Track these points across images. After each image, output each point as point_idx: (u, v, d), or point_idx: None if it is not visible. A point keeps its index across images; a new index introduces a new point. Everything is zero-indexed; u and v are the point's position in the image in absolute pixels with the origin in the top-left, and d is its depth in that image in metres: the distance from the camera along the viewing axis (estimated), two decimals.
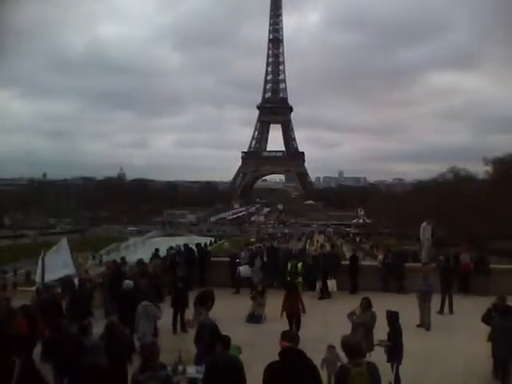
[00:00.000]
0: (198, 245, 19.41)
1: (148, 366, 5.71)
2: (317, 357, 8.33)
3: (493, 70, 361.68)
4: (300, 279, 15.34)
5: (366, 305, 9.49)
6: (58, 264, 12.94)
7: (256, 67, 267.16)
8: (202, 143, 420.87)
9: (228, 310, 13.11)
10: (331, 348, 8.30)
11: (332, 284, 16.14)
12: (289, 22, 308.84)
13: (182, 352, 7.91)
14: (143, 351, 6.00)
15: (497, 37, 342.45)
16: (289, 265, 15.77)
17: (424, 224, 18.10)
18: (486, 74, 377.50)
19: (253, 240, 73.87)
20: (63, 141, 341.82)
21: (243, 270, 17.16)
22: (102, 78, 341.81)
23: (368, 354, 8.83)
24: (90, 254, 44.77)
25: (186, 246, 19.16)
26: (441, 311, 14.24)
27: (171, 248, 18.96)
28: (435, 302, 13.81)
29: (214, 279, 17.27)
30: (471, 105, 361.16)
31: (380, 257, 18.97)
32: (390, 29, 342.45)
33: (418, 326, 12.68)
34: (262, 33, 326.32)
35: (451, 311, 14.24)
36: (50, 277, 13.14)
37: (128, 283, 11.39)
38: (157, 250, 18.48)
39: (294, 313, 11.36)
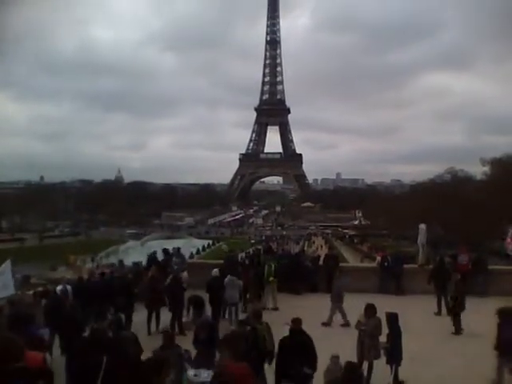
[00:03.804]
0: (164, 249, 19.23)
1: (167, 346, 7.34)
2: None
3: (485, 70, 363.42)
4: (272, 278, 15.88)
5: (371, 311, 9.18)
6: None
7: (250, 69, 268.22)
8: (199, 145, 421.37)
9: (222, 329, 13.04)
10: (335, 358, 7.93)
11: None
12: (282, 24, 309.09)
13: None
14: (164, 336, 7.63)
15: (488, 36, 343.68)
16: (266, 267, 16.11)
17: (421, 226, 18.14)
18: (479, 74, 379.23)
19: (253, 242, 73.97)
20: (59, 143, 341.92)
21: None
22: (96, 80, 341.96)
23: (375, 362, 8.85)
24: (88, 256, 44.72)
25: (153, 252, 19.00)
26: (439, 312, 14.26)
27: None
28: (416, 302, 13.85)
29: None
30: (465, 105, 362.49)
31: (378, 258, 18.98)
32: (382, 30, 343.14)
33: (323, 323, 12.93)
34: (256, 35, 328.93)
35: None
36: None
37: (215, 271, 13.71)
38: (154, 253, 18.44)
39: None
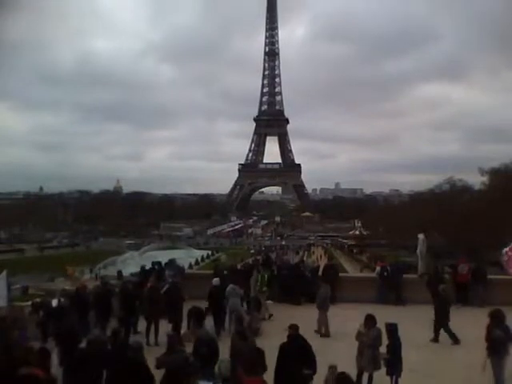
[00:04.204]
0: (156, 262, 19.11)
1: (171, 350, 7.61)
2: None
3: (481, 80, 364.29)
4: (265, 288, 16.23)
5: (371, 322, 9.11)
6: None
7: (249, 80, 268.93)
8: (197, 156, 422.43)
9: (225, 335, 12.97)
10: (333, 368, 7.78)
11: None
12: (280, 34, 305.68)
13: None
14: (168, 339, 8.00)
15: (484, 47, 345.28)
16: (259, 276, 16.37)
17: (420, 236, 18.12)
18: (474, 84, 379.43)
19: (252, 252, 73.71)
20: (58, 154, 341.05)
21: None
22: (94, 92, 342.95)
23: (375, 374, 8.80)
24: (86, 267, 44.50)
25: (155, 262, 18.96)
26: None
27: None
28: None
29: None
30: (460, 115, 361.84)
31: (378, 268, 18.90)
32: (379, 40, 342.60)
33: (318, 332, 13.08)
34: (255, 46, 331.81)
35: None
36: None
37: (216, 280, 13.98)
38: (153, 264, 18.39)
39: None
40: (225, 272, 17.09)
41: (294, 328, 8.61)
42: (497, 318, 9.09)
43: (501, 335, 8.76)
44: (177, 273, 17.44)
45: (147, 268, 18.06)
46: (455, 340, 12.25)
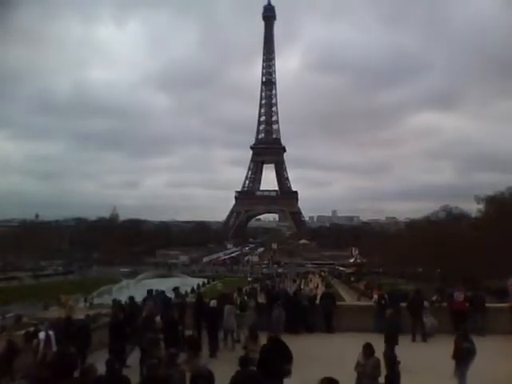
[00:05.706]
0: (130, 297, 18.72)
1: (170, 365, 8.15)
2: None
3: (473, 109, 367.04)
4: (238, 311, 16.51)
5: (369, 351, 8.97)
6: None
7: (246, 109, 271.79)
8: (194, 183, 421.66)
9: (221, 354, 12.82)
10: None
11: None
12: (276, 64, 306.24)
13: None
14: (168, 356, 8.48)
15: (476, 77, 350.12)
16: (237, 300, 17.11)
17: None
18: (467, 112, 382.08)
19: (250, 280, 73.20)
20: (54, 181, 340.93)
21: None
22: (91, 120, 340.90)
23: None
24: (80, 296, 44.08)
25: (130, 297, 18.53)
26: (413, 339, 15.61)
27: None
28: None
29: None
30: (454, 143, 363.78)
31: (375, 297, 18.78)
32: (372, 71, 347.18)
33: None
34: (252, 76, 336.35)
35: (425, 340, 15.45)
36: None
37: (213, 302, 15.02)
38: (149, 292, 18.14)
39: None
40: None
41: (272, 333, 10.05)
42: (463, 334, 10.70)
43: (469, 347, 10.23)
44: (161, 303, 16.88)
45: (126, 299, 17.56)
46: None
